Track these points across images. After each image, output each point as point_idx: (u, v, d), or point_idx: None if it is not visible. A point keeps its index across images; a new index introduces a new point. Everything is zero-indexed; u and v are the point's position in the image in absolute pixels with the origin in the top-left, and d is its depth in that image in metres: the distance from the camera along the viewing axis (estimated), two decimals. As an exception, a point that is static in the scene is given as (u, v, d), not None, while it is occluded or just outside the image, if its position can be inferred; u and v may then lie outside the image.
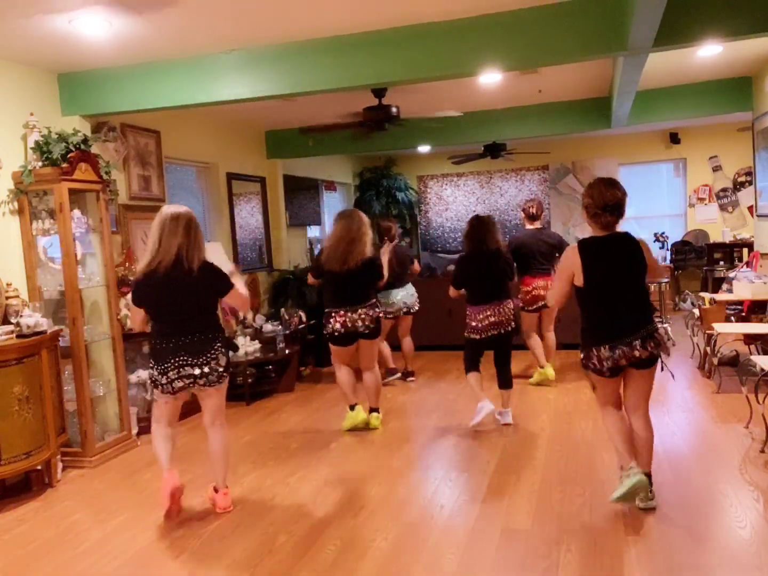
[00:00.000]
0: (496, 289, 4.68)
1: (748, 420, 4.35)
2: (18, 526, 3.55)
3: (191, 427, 5.25)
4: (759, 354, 5.41)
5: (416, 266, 6.69)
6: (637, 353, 3.16)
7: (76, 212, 4.45)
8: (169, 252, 3.29)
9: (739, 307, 6.14)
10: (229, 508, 3.58)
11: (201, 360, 3.36)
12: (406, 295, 6.26)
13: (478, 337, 4.70)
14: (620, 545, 2.94)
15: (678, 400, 5.16)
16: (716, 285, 8.36)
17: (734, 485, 3.50)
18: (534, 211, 5.88)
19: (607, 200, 3.19)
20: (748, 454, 3.94)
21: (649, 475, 3.30)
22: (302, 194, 9.12)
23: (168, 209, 3.41)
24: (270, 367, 6.30)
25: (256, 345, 6.18)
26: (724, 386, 5.29)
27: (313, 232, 9.61)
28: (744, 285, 5.73)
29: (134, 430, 4.90)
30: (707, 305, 5.84)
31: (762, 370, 4.11)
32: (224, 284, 3.47)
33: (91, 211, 4.62)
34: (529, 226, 5.94)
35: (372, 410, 5.00)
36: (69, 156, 4.27)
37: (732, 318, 5.97)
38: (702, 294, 6.28)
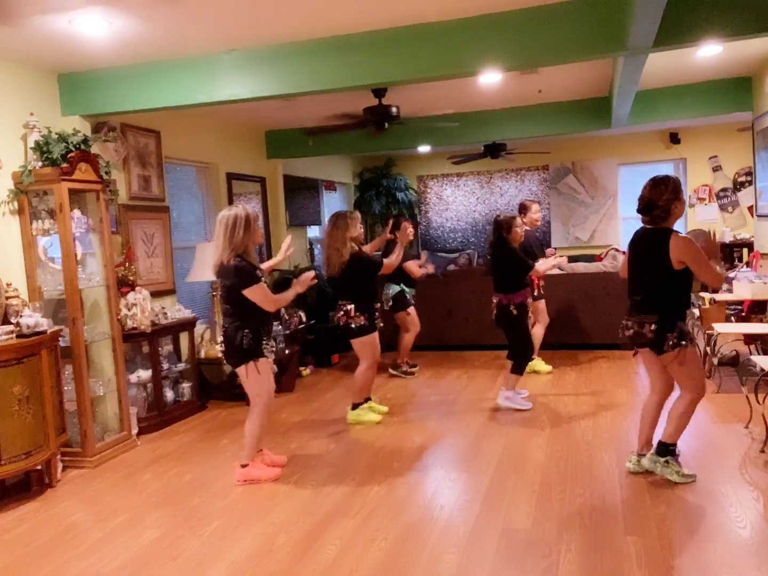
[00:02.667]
0: (494, 283, 5.28)
1: (748, 420, 4.36)
2: (18, 526, 3.55)
3: (191, 426, 5.27)
4: (759, 354, 5.41)
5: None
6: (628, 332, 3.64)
7: (76, 212, 4.45)
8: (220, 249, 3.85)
9: (739, 307, 6.13)
10: (237, 482, 3.95)
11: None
12: (383, 293, 6.34)
13: None
14: (620, 545, 2.94)
15: (678, 400, 5.15)
16: (716, 285, 8.34)
17: (734, 485, 3.50)
18: None
19: None
20: (748, 454, 3.94)
21: (659, 444, 3.67)
22: (302, 194, 9.11)
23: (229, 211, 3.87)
24: (270, 367, 6.30)
25: (256, 345, 6.17)
26: (724, 386, 5.29)
27: (313, 232, 9.58)
28: (744, 285, 5.72)
29: (134, 430, 4.90)
30: (707, 305, 5.84)
31: (762, 370, 4.11)
32: (241, 282, 3.79)
33: (91, 211, 4.62)
34: None
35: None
36: (69, 156, 4.27)
37: (732, 318, 5.97)
38: (702, 294, 6.27)
